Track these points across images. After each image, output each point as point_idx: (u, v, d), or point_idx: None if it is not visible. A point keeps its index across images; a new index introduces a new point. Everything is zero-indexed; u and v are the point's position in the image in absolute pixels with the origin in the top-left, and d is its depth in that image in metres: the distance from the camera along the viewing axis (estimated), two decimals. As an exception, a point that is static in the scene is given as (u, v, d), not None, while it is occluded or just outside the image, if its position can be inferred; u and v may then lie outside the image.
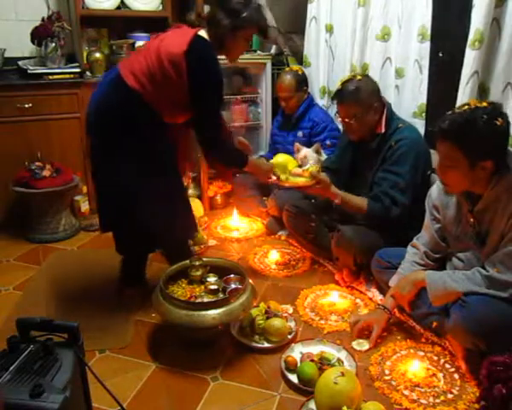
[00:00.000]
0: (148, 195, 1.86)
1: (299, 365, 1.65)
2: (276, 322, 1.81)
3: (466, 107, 1.53)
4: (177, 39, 1.81)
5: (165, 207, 1.91)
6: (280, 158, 2.41)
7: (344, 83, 2.21)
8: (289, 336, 1.83)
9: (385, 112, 2.21)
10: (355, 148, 2.34)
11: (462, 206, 1.70)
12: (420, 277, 1.77)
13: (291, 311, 2.05)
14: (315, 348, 1.74)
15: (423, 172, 2.18)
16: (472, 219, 1.65)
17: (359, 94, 2.14)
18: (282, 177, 2.20)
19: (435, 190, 1.82)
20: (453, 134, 1.51)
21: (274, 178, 2.19)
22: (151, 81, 1.78)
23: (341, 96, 2.20)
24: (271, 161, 2.34)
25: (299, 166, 2.46)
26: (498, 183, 1.55)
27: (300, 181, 2.17)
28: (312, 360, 1.64)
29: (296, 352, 1.74)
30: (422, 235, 1.90)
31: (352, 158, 2.37)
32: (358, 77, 2.22)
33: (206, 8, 3.33)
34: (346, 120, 2.19)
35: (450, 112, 1.57)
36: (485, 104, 1.53)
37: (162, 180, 1.89)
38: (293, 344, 1.78)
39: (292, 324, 1.91)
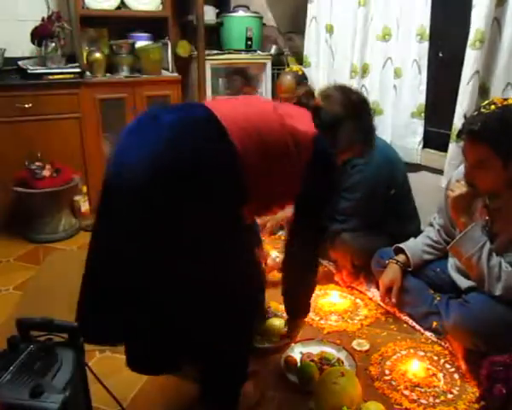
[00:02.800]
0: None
1: (299, 365, 1.65)
2: (277, 322, 1.81)
3: (493, 106, 1.48)
4: (299, 114, 1.41)
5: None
6: None
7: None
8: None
9: None
10: None
11: (478, 200, 1.66)
12: (470, 219, 1.62)
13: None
14: (315, 348, 1.74)
15: (385, 194, 2.20)
16: (486, 216, 1.64)
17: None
18: None
19: (455, 177, 1.76)
20: (488, 136, 1.46)
21: None
22: (259, 147, 1.26)
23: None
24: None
25: None
26: None
27: None
28: (312, 360, 1.64)
29: (296, 352, 1.74)
30: (438, 216, 1.93)
31: None
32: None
33: (208, 10, 3.34)
34: None
35: (476, 112, 1.53)
36: (511, 101, 1.50)
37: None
38: (293, 344, 1.78)
39: None
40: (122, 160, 1.22)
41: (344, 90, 1.51)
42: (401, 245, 1.99)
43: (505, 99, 1.53)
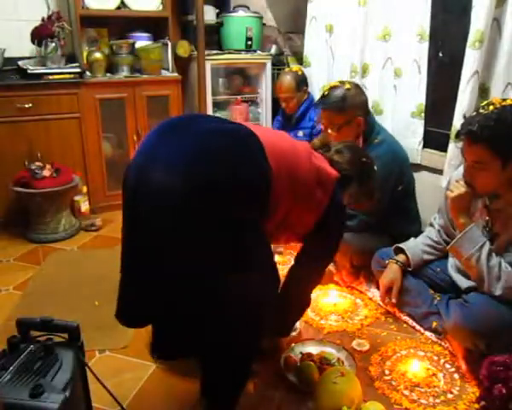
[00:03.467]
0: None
1: (299, 365, 1.65)
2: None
3: (491, 107, 1.49)
4: (323, 159, 1.49)
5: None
6: None
7: (331, 88, 2.16)
8: (294, 333, 1.83)
9: (362, 127, 2.17)
10: None
11: (478, 201, 1.67)
12: (469, 218, 1.63)
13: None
14: (315, 348, 1.74)
15: (393, 189, 2.18)
16: (487, 216, 1.64)
17: (344, 103, 2.10)
18: None
19: (454, 178, 1.76)
20: (485, 136, 1.46)
21: None
22: (288, 177, 1.31)
23: (325, 102, 2.15)
24: None
25: None
26: None
27: None
28: (312, 360, 1.64)
29: (296, 352, 1.74)
30: (438, 216, 1.93)
31: None
32: (347, 85, 2.16)
33: (208, 10, 3.34)
34: (329, 130, 2.15)
35: (474, 113, 1.53)
36: (510, 102, 1.50)
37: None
38: (293, 344, 1.78)
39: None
40: (152, 162, 1.18)
41: (354, 151, 1.61)
42: (401, 245, 1.99)
43: (504, 100, 1.53)
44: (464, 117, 1.61)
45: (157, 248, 1.19)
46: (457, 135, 1.59)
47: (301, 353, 1.71)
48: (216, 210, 1.16)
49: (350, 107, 2.11)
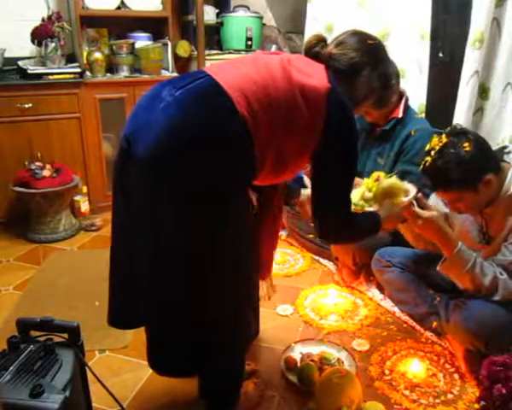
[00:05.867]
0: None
1: (299, 365, 1.65)
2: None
3: (432, 153, 1.54)
4: (310, 68, 1.29)
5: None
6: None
7: None
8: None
9: (404, 98, 2.19)
10: (366, 134, 2.31)
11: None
12: (454, 240, 1.59)
13: (291, 311, 2.05)
14: (315, 348, 1.74)
15: None
16: (480, 219, 1.66)
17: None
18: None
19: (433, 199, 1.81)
20: (440, 184, 1.57)
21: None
22: (268, 111, 1.18)
23: None
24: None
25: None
26: (509, 190, 1.54)
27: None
28: (312, 360, 1.64)
29: (296, 352, 1.74)
30: None
31: (361, 146, 2.32)
32: None
33: (208, 10, 3.34)
34: None
35: (422, 165, 1.58)
36: (445, 139, 1.54)
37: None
38: (293, 344, 1.78)
39: None
40: (133, 142, 1.16)
41: (359, 35, 1.40)
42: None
43: (440, 139, 1.56)
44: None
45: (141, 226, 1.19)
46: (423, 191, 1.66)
47: (301, 353, 1.72)
48: (190, 174, 1.11)
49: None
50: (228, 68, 1.24)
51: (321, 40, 1.36)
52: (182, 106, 1.13)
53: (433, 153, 1.55)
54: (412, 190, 1.60)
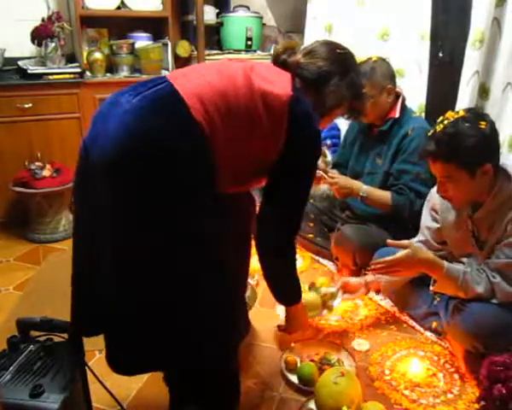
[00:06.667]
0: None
1: (299, 365, 1.65)
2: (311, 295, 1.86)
3: (446, 122, 1.52)
4: (274, 76, 1.26)
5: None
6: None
7: (359, 64, 2.20)
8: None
9: (400, 98, 2.21)
10: (364, 135, 2.34)
11: (461, 212, 1.68)
12: (438, 263, 1.60)
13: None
14: (315, 348, 1.74)
15: None
16: (471, 225, 1.65)
17: (373, 75, 2.14)
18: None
19: (435, 192, 1.81)
20: (444, 153, 1.50)
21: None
22: (227, 119, 1.15)
23: None
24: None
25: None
26: (500, 190, 1.54)
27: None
28: (312, 360, 1.64)
29: (296, 352, 1.74)
30: (419, 235, 1.89)
31: (359, 147, 2.36)
32: (374, 58, 2.21)
33: (208, 10, 3.34)
34: None
35: (431, 131, 1.55)
36: (462, 113, 1.53)
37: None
38: (292, 344, 1.78)
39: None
40: (90, 148, 1.13)
41: (328, 45, 1.40)
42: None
43: (457, 112, 1.55)
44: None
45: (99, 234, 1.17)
46: (420, 157, 1.63)
47: (301, 353, 1.72)
48: (143, 185, 1.09)
49: (379, 76, 2.15)
50: (189, 75, 1.22)
51: (288, 48, 1.36)
52: (138, 112, 1.10)
53: (446, 122, 1.51)
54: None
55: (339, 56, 1.37)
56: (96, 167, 1.11)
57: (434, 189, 1.81)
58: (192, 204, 1.12)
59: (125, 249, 1.12)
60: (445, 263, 1.61)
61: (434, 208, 1.80)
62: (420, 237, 1.89)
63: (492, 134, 1.51)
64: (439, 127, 1.53)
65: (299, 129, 1.23)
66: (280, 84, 1.23)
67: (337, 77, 1.34)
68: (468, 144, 1.47)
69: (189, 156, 1.10)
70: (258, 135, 1.20)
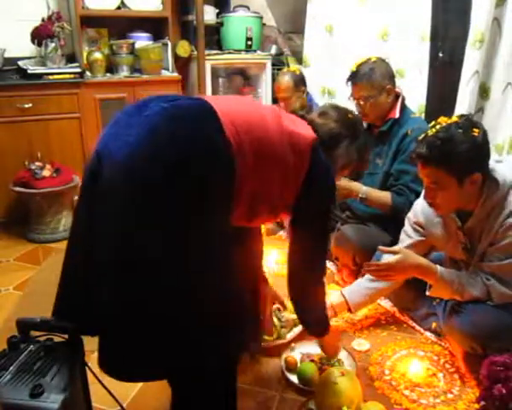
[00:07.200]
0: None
1: (299, 365, 1.65)
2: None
3: (438, 126, 1.50)
4: (299, 121, 1.34)
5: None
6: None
7: (359, 65, 2.21)
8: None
9: (400, 99, 2.21)
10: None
11: (449, 224, 1.65)
12: (432, 268, 1.60)
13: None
14: (315, 348, 1.74)
15: None
16: (463, 237, 1.63)
17: (373, 75, 2.14)
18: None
19: (419, 207, 1.75)
20: (435, 157, 1.47)
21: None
22: (255, 146, 1.16)
23: (355, 76, 2.19)
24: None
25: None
26: (488, 198, 1.52)
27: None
28: (312, 360, 1.64)
29: (296, 352, 1.73)
30: (404, 238, 1.82)
31: None
32: (373, 59, 2.21)
33: (208, 10, 3.34)
34: (361, 102, 2.19)
35: (423, 135, 1.53)
36: (456, 119, 1.51)
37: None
38: (293, 344, 1.78)
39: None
40: (109, 148, 1.09)
41: (340, 109, 1.48)
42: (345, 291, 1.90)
43: (449, 118, 1.54)
44: (416, 141, 1.58)
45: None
46: (411, 159, 1.60)
47: (301, 353, 1.72)
48: (164, 208, 1.04)
49: (378, 77, 2.15)
50: (220, 99, 1.27)
51: (305, 106, 1.46)
52: (169, 115, 1.10)
53: (438, 126, 1.50)
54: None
55: (349, 121, 1.44)
56: (114, 163, 1.06)
57: (417, 202, 1.78)
58: (209, 218, 1.09)
59: (129, 254, 1.08)
60: (438, 267, 1.60)
61: (418, 222, 1.76)
62: (406, 241, 1.80)
63: (484, 143, 1.49)
64: (431, 131, 1.51)
65: (319, 173, 1.28)
66: (304, 128, 1.30)
67: (347, 140, 1.40)
68: (460, 151, 1.44)
69: (215, 173, 1.08)
70: (282, 170, 1.22)
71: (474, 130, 1.47)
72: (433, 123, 1.55)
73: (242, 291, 1.22)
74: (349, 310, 1.84)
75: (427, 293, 1.65)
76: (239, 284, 1.20)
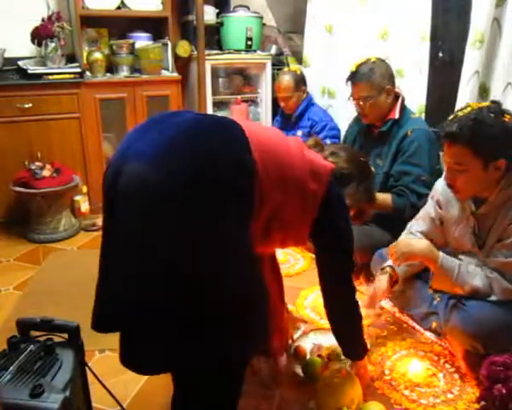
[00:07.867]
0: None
1: (306, 359, 1.65)
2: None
3: (469, 108, 1.50)
4: (316, 154, 1.39)
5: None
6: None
7: (358, 65, 2.22)
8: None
9: (399, 99, 2.21)
10: (364, 136, 2.34)
11: (465, 207, 1.68)
12: (434, 253, 1.61)
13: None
14: (328, 339, 1.68)
15: (436, 165, 2.18)
16: (473, 222, 1.65)
17: (372, 75, 2.15)
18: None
19: (440, 185, 1.78)
20: (464, 136, 1.46)
21: None
22: (278, 168, 1.19)
23: (355, 76, 2.20)
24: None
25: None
26: (505, 188, 1.53)
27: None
28: (320, 356, 1.64)
29: (308, 342, 1.74)
30: (419, 223, 1.87)
31: (359, 147, 2.37)
32: (373, 59, 2.22)
33: (208, 10, 3.34)
34: (360, 102, 2.19)
35: (453, 115, 1.54)
36: (487, 104, 1.52)
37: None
38: (308, 331, 1.80)
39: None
40: (133, 153, 1.11)
41: (350, 151, 1.54)
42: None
43: (480, 102, 1.55)
44: (444, 122, 1.59)
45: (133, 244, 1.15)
46: (439, 138, 1.60)
47: (313, 343, 1.72)
48: (188, 207, 1.04)
49: (378, 77, 2.16)
50: (248, 122, 1.30)
51: (318, 144, 1.46)
52: (199, 124, 1.15)
53: (469, 108, 1.50)
54: None
55: (360, 162, 1.50)
56: (134, 171, 1.08)
57: (438, 182, 1.81)
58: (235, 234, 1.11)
59: (151, 268, 1.09)
60: (441, 253, 1.61)
61: (438, 200, 1.80)
62: (421, 226, 1.85)
63: None
64: (462, 112, 1.51)
65: (335, 197, 1.34)
66: (322, 159, 1.36)
67: (356, 181, 1.45)
68: (490, 133, 1.45)
69: (239, 187, 1.10)
70: (301, 197, 1.25)
71: (506, 116, 1.48)
72: (463, 106, 1.56)
73: (262, 304, 1.21)
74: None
75: (429, 288, 1.66)
76: (258, 295, 1.20)
